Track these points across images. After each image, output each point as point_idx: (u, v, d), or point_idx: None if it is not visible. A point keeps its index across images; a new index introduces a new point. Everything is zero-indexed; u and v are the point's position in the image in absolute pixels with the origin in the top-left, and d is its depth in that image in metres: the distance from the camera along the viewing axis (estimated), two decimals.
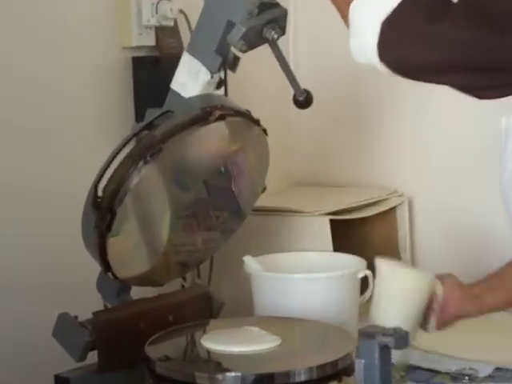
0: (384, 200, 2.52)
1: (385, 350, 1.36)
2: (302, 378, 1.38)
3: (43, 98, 1.97)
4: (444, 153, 2.56)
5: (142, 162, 1.60)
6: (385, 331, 1.37)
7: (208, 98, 1.75)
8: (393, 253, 2.52)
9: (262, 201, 2.40)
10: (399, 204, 2.55)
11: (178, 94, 1.75)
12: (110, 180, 1.62)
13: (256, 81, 2.55)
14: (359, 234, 2.45)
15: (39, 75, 1.96)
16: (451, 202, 2.55)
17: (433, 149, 2.59)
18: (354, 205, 2.39)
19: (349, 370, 1.43)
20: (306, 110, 2.63)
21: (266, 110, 2.53)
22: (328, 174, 2.72)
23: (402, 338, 1.34)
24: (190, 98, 1.73)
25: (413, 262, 2.57)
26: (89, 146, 2.07)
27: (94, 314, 1.64)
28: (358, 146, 2.70)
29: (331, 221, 2.24)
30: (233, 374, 1.38)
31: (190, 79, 1.75)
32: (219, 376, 1.38)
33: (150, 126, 1.67)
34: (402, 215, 2.55)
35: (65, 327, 1.62)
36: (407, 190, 2.60)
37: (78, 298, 1.86)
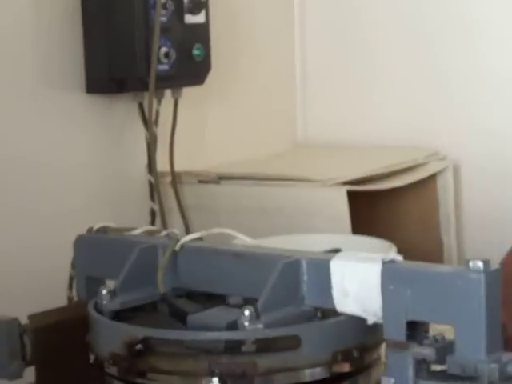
0: (420, 165, 2.53)
1: (422, 366, 1.34)
2: None
3: None
4: (499, 105, 2.58)
5: None
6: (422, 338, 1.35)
7: None
8: (432, 235, 2.54)
9: (257, 167, 2.42)
10: (441, 170, 2.56)
11: None
12: None
13: (248, 5, 2.61)
14: (386, 210, 2.47)
15: None
16: (509, 168, 2.56)
17: (484, 99, 2.60)
18: (378, 171, 2.39)
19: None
20: (315, 54, 2.69)
21: (263, 51, 2.62)
22: (343, 132, 2.74)
23: (444, 349, 1.32)
24: None
25: (458, 247, 2.57)
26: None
27: (29, 317, 1.62)
28: (383, 97, 2.72)
29: (349, 193, 2.24)
30: None
31: None
32: None
33: None
34: (445, 185, 2.57)
35: None
36: (452, 151, 2.62)
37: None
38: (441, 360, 1.32)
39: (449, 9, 2.62)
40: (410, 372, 1.34)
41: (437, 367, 1.36)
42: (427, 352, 1.32)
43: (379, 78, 2.71)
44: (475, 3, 2.60)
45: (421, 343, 1.35)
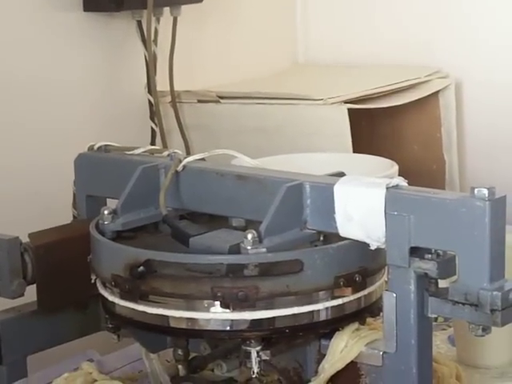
0: (422, 83, 2.53)
1: (423, 281, 1.35)
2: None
3: None
4: (501, 20, 2.57)
5: None
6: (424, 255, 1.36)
7: None
8: (434, 154, 2.54)
9: (257, 86, 2.41)
10: (443, 88, 2.56)
11: None
12: None
13: None
14: (388, 128, 2.47)
15: None
16: None
17: (485, 15, 2.60)
18: (380, 89, 2.38)
19: (375, 308, 1.45)
20: None
21: None
22: (344, 51, 2.74)
23: (447, 264, 1.33)
24: None
25: (460, 167, 2.57)
26: None
27: (31, 235, 1.63)
28: (383, 16, 2.72)
29: (350, 111, 2.24)
30: None
31: None
32: None
33: None
34: (447, 103, 2.57)
35: None
36: (454, 69, 2.61)
37: None
38: (443, 274, 1.33)
39: None
40: (412, 287, 1.35)
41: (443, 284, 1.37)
42: (428, 266, 1.33)
43: None
44: None
45: (423, 260, 1.36)
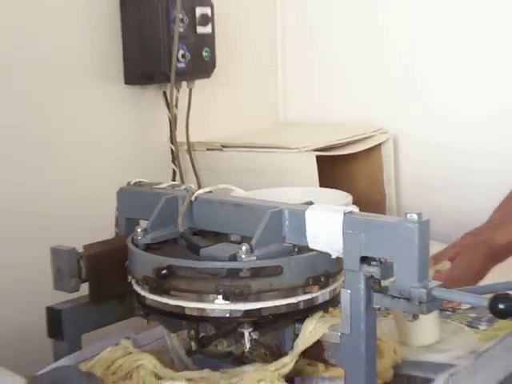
0: (369, 137, 2.52)
1: (370, 281, 1.34)
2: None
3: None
4: (431, 90, 2.56)
5: None
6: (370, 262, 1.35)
7: None
8: (378, 189, 2.53)
9: (250, 138, 2.41)
10: (384, 141, 2.55)
11: None
12: None
13: (242, 19, 2.58)
14: (345, 171, 2.46)
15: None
16: (437, 139, 2.54)
17: (417, 88, 2.59)
18: (339, 142, 2.38)
19: (335, 301, 1.44)
20: (294, 49, 2.67)
21: (254, 52, 2.60)
22: (314, 112, 2.72)
23: (387, 268, 1.32)
24: None
25: (397, 198, 2.57)
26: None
27: (84, 247, 1.62)
28: (345, 85, 2.70)
29: (317, 157, 2.23)
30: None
31: None
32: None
33: None
34: (387, 152, 2.55)
35: (58, 259, 1.60)
36: (392, 127, 2.60)
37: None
38: (384, 276, 1.32)
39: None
40: (362, 285, 1.33)
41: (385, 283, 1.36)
42: (374, 270, 1.32)
43: (340, 72, 2.69)
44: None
45: (370, 265, 1.35)
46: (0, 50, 1.93)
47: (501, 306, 1.22)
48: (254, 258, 1.39)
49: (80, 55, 2.11)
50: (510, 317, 1.23)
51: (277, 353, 1.49)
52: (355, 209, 1.41)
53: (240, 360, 1.50)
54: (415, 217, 1.28)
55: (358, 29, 2.63)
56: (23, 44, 1.98)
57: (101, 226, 1.75)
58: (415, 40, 2.55)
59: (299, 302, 1.41)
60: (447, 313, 1.85)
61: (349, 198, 1.94)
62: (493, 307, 1.22)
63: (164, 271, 1.43)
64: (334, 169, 2.35)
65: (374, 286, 1.34)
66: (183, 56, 2.21)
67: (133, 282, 1.53)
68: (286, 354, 1.45)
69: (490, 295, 1.25)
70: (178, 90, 2.28)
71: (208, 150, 2.36)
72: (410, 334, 1.64)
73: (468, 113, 2.45)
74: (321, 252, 1.40)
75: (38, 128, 2.01)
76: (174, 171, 2.32)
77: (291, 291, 1.41)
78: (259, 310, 1.40)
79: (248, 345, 1.44)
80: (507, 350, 1.75)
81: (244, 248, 1.39)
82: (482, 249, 1.71)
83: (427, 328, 1.65)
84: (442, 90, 2.51)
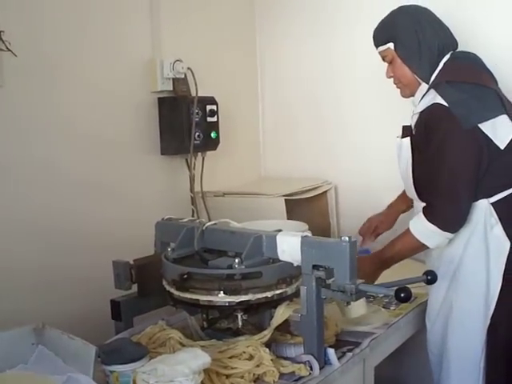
0: (319, 186, 2.48)
1: (319, 281, 1.35)
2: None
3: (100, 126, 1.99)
4: (363, 152, 2.45)
5: None
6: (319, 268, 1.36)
7: None
8: (325, 220, 2.49)
9: (238, 188, 2.39)
10: (329, 189, 2.51)
11: None
12: None
13: (235, 111, 2.51)
14: (304, 209, 2.40)
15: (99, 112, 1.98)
16: (363, 184, 2.48)
17: (350, 149, 2.50)
18: (300, 189, 2.35)
19: (297, 294, 1.44)
20: (271, 126, 2.59)
21: (243, 133, 2.55)
22: (286, 169, 2.65)
23: (330, 272, 1.33)
24: None
25: (338, 227, 2.53)
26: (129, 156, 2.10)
27: (134, 260, 1.63)
28: (304, 151, 2.62)
29: (286, 200, 2.21)
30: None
31: None
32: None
33: None
34: (331, 196, 2.52)
35: (117, 268, 1.60)
36: (335, 179, 2.54)
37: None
38: (328, 277, 1.33)
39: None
40: (314, 284, 1.34)
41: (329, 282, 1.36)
42: (321, 274, 1.33)
43: (301, 144, 2.61)
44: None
45: (319, 270, 1.35)
46: (84, 134, 1.91)
47: (402, 295, 1.24)
48: (243, 266, 1.40)
49: (132, 138, 2.09)
50: (408, 301, 1.25)
51: (259, 328, 1.49)
52: (309, 234, 1.42)
53: (236, 333, 1.50)
54: (347, 239, 1.29)
55: (310, 112, 2.54)
56: (99, 134, 1.96)
57: (146, 246, 1.74)
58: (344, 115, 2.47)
59: (273, 295, 1.42)
60: (370, 299, 1.85)
61: (305, 226, 1.93)
62: (397, 295, 1.24)
63: (185, 276, 1.43)
64: (296, 207, 2.33)
65: (321, 283, 1.35)
66: (198, 136, 2.19)
67: (165, 283, 1.53)
68: (265, 329, 1.45)
69: (395, 288, 1.27)
70: (195, 158, 2.25)
71: (215, 196, 2.33)
72: (347, 311, 1.64)
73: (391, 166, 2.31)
74: (287, 262, 1.41)
75: (108, 181, 1.99)
76: (193, 210, 2.29)
77: (268, 288, 1.41)
78: (248, 301, 1.40)
79: (240, 323, 1.45)
80: (407, 323, 1.78)
81: (237, 260, 1.39)
82: (373, 259, 1.72)
83: (357, 308, 1.64)
84: (372, 148, 2.42)
